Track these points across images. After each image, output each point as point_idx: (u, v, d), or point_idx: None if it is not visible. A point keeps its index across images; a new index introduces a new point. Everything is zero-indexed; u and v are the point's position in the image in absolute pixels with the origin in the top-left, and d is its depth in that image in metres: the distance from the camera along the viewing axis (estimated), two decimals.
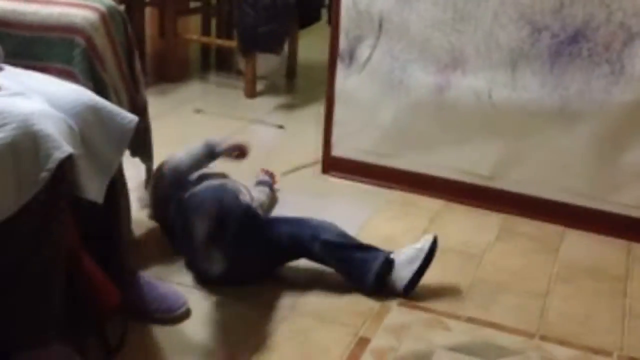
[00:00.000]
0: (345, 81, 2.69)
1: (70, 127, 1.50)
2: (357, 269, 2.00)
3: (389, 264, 2.00)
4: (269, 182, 2.56)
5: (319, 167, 2.83)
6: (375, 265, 1.99)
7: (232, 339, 1.82)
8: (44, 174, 1.44)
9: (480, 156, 2.59)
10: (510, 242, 2.41)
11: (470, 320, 1.97)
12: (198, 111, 3.42)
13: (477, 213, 2.58)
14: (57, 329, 1.58)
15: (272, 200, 2.52)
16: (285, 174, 2.76)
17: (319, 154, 2.84)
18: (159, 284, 1.91)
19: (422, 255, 2.00)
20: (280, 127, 3.32)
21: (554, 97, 2.44)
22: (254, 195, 2.33)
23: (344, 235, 2.05)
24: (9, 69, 1.63)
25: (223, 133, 3.26)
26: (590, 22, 2.34)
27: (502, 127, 2.53)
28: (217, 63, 4.26)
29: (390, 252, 2.04)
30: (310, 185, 2.73)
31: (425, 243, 2.03)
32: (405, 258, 2.01)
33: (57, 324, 1.57)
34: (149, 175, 2.27)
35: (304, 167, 2.88)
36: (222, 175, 2.26)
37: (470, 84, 2.52)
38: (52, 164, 1.44)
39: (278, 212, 2.47)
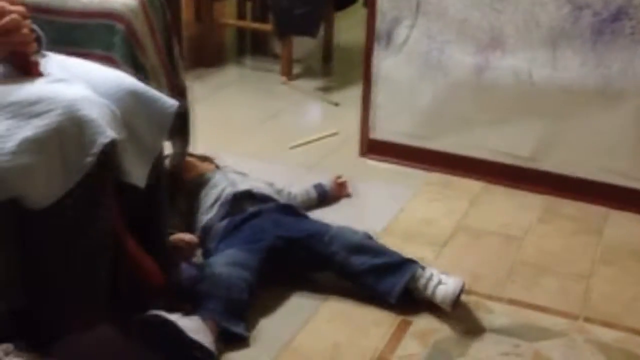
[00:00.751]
0: (383, 63, 2.68)
1: (113, 113, 1.52)
2: (376, 294, 1.91)
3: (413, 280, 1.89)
4: (321, 188, 2.43)
5: (355, 149, 2.82)
6: (396, 290, 1.87)
7: (272, 320, 1.84)
8: (89, 159, 1.46)
9: (521, 137, 2.56)
10: (552, 224, 2.38)
11: (513, 302, 1.96)
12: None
13: (517, 195, 2.56)
14: (103, 311, 1.60)
15: (313, 203, 2.39)
16: (293, 147, 2.76)
17: (355, 137, 2.83)
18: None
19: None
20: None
21: (595, 76, 2.39)
22: (292, 191, 2.34)
23: (360, 249, 1.93)
24: (52, 56, 1.65)
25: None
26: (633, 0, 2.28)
27: (542, 107, 2.49)
28: (252, 47, 4.26)
29: (415, 266, 1.90)
30: (348, 168, 2.72)
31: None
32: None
33: (103, 306, 1.60)
34: (179, 160, 2.26)
35: (311, 141, 2.90)
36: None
37: (509, 64, 2.49)
38: (96, 149, 1.46)
39: None
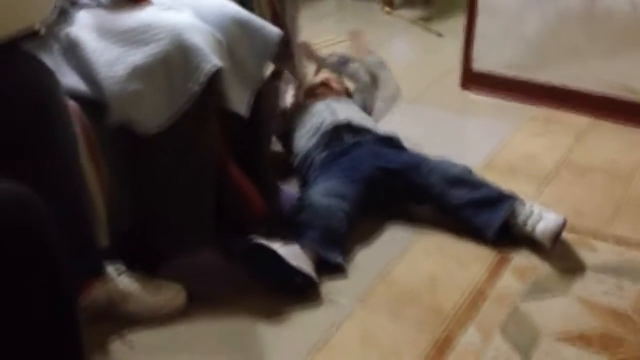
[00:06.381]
0: None
1: (219, 41, 1.53)
2: (474, 228, 1.88)
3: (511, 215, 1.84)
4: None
5: (456, 81, 2.75)
6: (495, 225, 1.83)
7: (368, 251, 1.85)
8: (195, 87, 1.49)
9: (633, 69, 2.43)
10: None
11: (618, 241, 1.90)
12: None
13: (627, 130, 2.45)
14: (207, 235, 1.66)
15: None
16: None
17: (457, 69, 2.76)
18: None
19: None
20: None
21: None
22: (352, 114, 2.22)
23: (459, 181, 1.90)
24: None
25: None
26: None
27: None
28: None
29: (513, 200, 1.86)
30: (449, 101, 2.68)
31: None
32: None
33: (207, 230, 1.66)
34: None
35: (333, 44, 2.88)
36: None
37: None
38: (202, 77, 1.48)
39: (416, 129, 2.42)
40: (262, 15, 1.80)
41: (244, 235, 1.67)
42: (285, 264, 1.63)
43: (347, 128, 2.09)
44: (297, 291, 1.67)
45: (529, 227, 1.82)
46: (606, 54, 2.45)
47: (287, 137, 2.18)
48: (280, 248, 1.65)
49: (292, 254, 1.66)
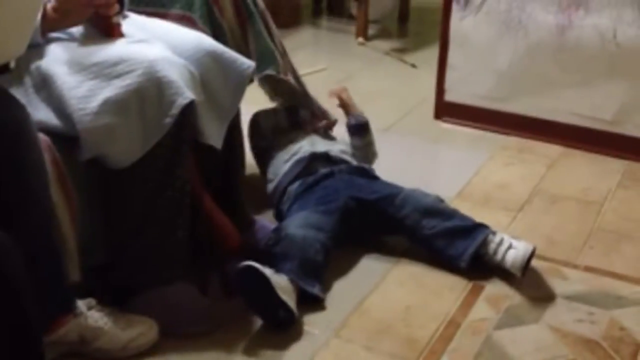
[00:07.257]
0: (461, 23, 2.62)
1: (192, 74, 1.54)
2: (447, 258, 1.89)
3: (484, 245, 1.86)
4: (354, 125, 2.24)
5: (429, 112, 2.78)
6: (467, 255, 1.85)
7: (343, 283, 1.85)
8: (168, 120, 1.50)
9: (603, 100, 2.47)
10: (633, 189, 2.31)
11: (589, 269, 1.92)
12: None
13: (597, 159, 2.49)
14: (181, 268, 1.65)
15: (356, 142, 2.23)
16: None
17: (430, 99, 2.79)
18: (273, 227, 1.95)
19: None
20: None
21: None
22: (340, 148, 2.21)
23: (432, 212, 1.91)
24: (133, 17, 1.69)
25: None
26: None
27: (627, 69, 2.41)
28: (328, 8, 4.24)
29: (487, 231, 1.87)
30: (422, 130, 2.70)
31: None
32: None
33: (181, 263, 1.65)
34: None
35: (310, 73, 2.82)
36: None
37: (593, 23, 2.40)
38: (175, 110, 1.49)
39: (390, 159, 2.43)
40: (237, 47, 1.81)
41: (218, 268, 1.67)
42: (274, 293, 1.61)
43: (324, 159, 2.09)
44: (277, 325, 1.66)
45: (499, 257, 1.83)
46: (575, 84, 2.50)
47: (265, 159, 2.16)
48: (272, 276, 1.64)
49: (282, 285, 1.65)
